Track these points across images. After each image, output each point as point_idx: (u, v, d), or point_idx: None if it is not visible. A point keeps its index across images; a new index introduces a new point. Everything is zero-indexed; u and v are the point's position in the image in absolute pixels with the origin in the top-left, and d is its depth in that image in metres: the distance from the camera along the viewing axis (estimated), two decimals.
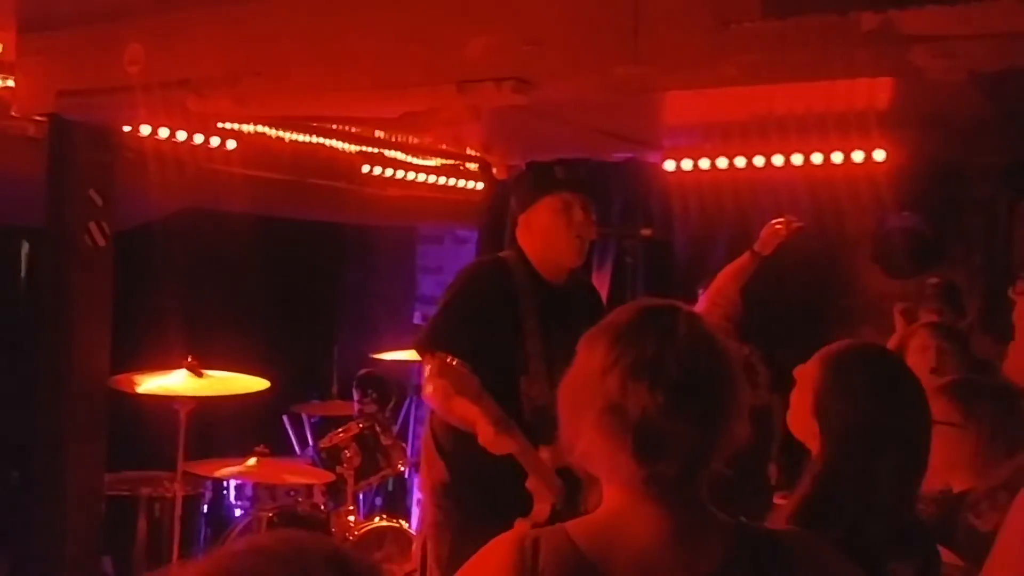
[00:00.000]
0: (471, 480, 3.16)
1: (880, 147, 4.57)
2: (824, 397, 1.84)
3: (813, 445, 1.87)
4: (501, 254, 3.27)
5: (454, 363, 2.80)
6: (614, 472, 1.39)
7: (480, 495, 3.14)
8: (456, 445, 3.17)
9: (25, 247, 5.21)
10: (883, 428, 1.81)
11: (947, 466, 2.47)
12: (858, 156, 4.62)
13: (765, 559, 1.40)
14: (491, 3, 2.72)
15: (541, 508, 2.99)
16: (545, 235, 3.16)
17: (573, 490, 3.06)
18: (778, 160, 4.80)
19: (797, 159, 4.74)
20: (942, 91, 3.17)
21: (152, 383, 3.93)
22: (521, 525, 2.98)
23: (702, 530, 1.40)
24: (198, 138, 4.40)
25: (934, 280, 4.51)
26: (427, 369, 3.13)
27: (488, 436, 2.87)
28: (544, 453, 3.03)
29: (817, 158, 4.69)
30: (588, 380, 1.39)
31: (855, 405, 1.81)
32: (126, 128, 3.97)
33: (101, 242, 3.63)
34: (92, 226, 3.61)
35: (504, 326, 3.09)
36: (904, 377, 1.93)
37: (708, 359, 1.39)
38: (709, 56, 2.42)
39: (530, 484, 3.00)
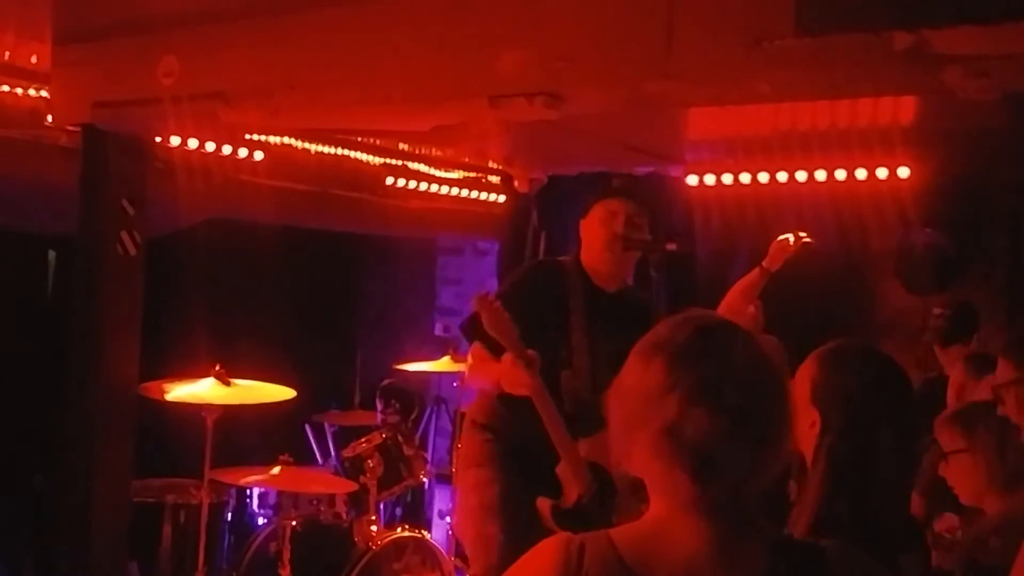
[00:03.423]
0: (511, 449, 3.27)
1: (904, 164, 4.58)
2: (821, 383, 1.95)
3: (810, 437, 1.94)
4: (559, 258, 3.44)
5: (495, 304, 2.93)
6: (669, 489, 1.41)
7: (518, 460, 3.20)
8: (494, 419, 3.32)
9: (52, 255, 5.27)
10: (877, 404, 1.92)
11: (974, 493, 2.52)
12: (882, 172, 4.63)
13: (805, 572, 1.42)
14: (523, 18, 2.74)
15: (568, 495, 3.05)
16: (590, 242, 3.29)
17: (603, 487, 3.12)
18: (801, 176, 4.82)
19: (820, 175, 4.76)
20: (966, 108, 3.19)
21: (181, 391, 3.97)
22: (543, 503, 3.04)
23: (745, 542, 1.41)
24: (226, 149, 4.45)
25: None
26: (470, 356, 3.30)
27: (505, 366, 2.98)
28: (582, 446, 3.12)
29: (841, 174, 4.71)
30: (644, 398, 1.40)
31: (850, 383, 1.93)
32: (156, 138, 4.02)
33: (132, 251, 3.67)
34: (124, 235, 3.65)
35: (550, 321, 3.21)
36: (890, 362, 2.06)
37: (764, 381, 1.41)
38: (741, 73, 2.44)
39: (559, 470, 3.06)
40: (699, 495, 1.38)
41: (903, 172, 4.61)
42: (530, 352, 3.01)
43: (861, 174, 4.67)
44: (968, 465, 2.53)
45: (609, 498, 3.18)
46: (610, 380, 3.33)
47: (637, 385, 1.42)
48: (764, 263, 4.10)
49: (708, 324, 1.46)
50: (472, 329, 3.20)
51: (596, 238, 3.28)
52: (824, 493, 1.89)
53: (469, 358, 3.31)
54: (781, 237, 4.12)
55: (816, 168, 4.76)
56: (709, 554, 1.39)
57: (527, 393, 3.02)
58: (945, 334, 4.26)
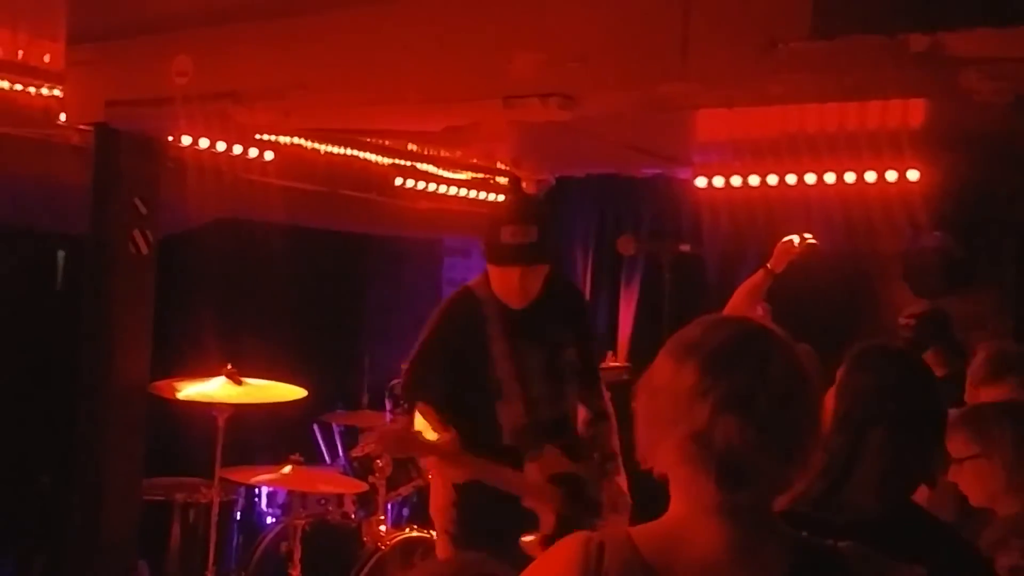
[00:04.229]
0: (478, 527, 3.26)
1: (913, 166, 4.58)
2: (843, 380, 1.98)
3: None
4: (470, 283, 3.38)
5: (427, 410, 3.13)
6: (691, 492, 1.40)
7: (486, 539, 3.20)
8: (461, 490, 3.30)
9: (61, 255, 5.28)
10: (885, 402, 1.93)
11: (989, 496, 2.50)
12: (891, 175, 4.63)
13: (824, 574, 1.42)
14: (537, 19, 2.75)
15: (546, 520, 3.09)
16: (496, 280, 3.25)
17: (577, 492, 3.13)
18: (810, 178, 4.81)
19: (830, 177, 4.75)
20: (977, 111, 3.19)
21: (192, 389, 3.98)
22: (528, 542, 3.06)
23: (766, 543, 1.41)
24: (237, 149, 4.45)
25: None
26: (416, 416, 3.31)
27: (437, 464, 3.12)
28: (532, 468, 3.17)
29: (850, 177, 4.71)
30: (674, 400, 1.38)
31: (864, 380, 1.95)
32: (168, 138, 4.03)
33: (144, 250, 3.69)
34: (136, 234, 3.67)
35: (474, 355, 3.21)
36: (914, 364, 2.06)
37: (798, 392, 1.39)
38: (756, 75, 2.45)
39: (526, 504, 3.09)
40: (722, 500, 1.37)
41: (913, 175, 4.61)
42: (449, 437, 3.05)
43: (870, 177, 4.67)
44: (984, 470, 2.48)
45: (589, 494, 3.22)
46: (543, 394, 3.24)
47: (668, 385, 1.40)
48: (769, 264, 4.15)
49: (746, 330, 1.43)
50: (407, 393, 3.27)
51: (500, 286, 3.22)
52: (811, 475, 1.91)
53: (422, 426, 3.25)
54: (785, 239, 4.16)
55: (825, 171, 4.75)
56: (730, 556, 1.38)
57: (469, 479, 3.10)
58: (914, 342, 4.27)
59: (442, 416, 3.17)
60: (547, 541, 3.09)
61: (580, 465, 3.24)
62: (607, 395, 3.44)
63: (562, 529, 3.08)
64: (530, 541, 3.11)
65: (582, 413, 3.41)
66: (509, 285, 3.19)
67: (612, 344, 5.79)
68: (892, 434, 1.92)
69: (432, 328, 3.31)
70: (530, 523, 3.16)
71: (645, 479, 1.48)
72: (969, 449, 2.51)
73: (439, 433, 3.14)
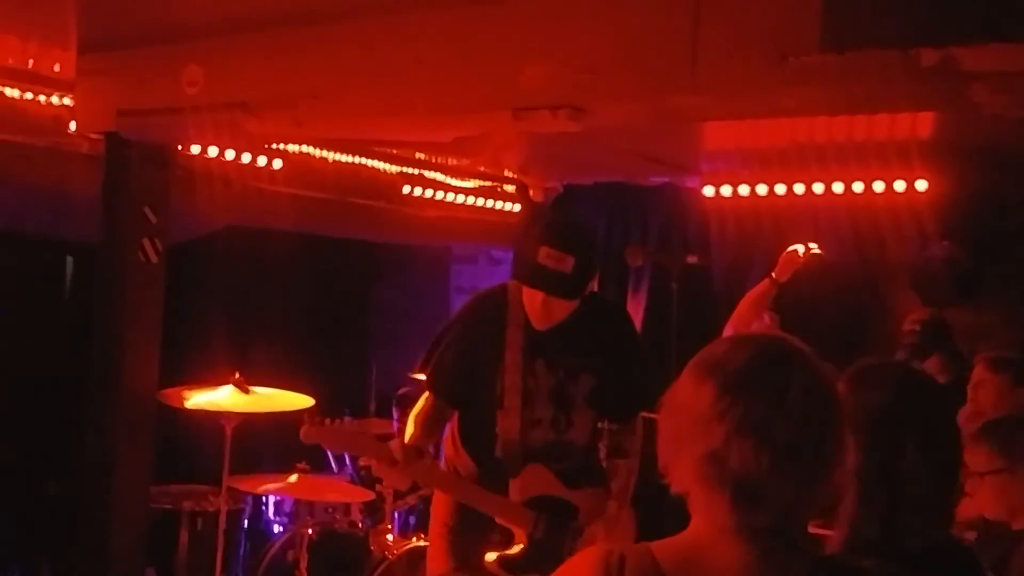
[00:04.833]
0: (476, 524, 3.20)
1: (922, 176, 4.59)
2: (849, 403, 1.89)
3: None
4: (508, 282, 3.28)
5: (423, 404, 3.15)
6: (708, 511, 1.39)
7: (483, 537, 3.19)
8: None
9: (70, 261, 5.30)
10: (900, 420, 1.85)
11: (1009, 511, 2.47)
12: (899, 185, 4.64)
13: None
14: (548, 31, 2.76)
15: (518, 540, 3.08)
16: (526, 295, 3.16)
17: (559, 518, 3.11)
18: (818, 188, 4.82)
19: (838, 187, 4.76)
20: (985, 122, 3.19)
21: (200, 398, 3.99)
22: (490, 559, 3.06)
23: (787, 563, 1.40)
24: (246, 157, 4.47)
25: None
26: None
27: (379, 470, 3.07)
28: (514, 486, 3.09)
29: (858, 187, 4.71)
30: (692, 420, 1.37)
31: (872, 400, 1.86)
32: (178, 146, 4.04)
33: (154, 258, 3.70)
34: (145, 243, 3.68)
35: (488, 358, 3.13)
36: (917, 378, 2.00)
37: (818, 415, 1.37)
38: (766, 88, 2.45)
39: (500, 521, 3.09)
40: (739, 522, 1.36)
41: (921, 185, 4.62)
42: (400, 443, 3.01)
43: (879, 187, 4.68)
44: (1007, 484, 2.45)
45: (567, 516, 3.15)
46: (544, 417, 3.16)
47: (687, 404, 1.39)
48: (774, 273, 4.16)
49: (769, 351, 1.41)
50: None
51: (527, 302, 3.11)
52: (855, 516, 1.83)
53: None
54: (790, 248, 4.17)
55: (833, 180, 4.76)
56: (750, 573, 1.38)
57: (403, 487, 3.07)
58: (920, 349, 4.28)
59: (432, 415, 3.15)
60: (507, 562, 3.05)
61: (575, 493, 3.14)
62: (637, 431, 3.27)
63: (530, 553, 3.05)
64: (491, 561, 3.06)
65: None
66: (532, 305, 3.09)
67: None
68: (924, 453, 1.84)
69: (456, 320, 3.27)
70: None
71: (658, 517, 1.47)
72: (992, 463, 2.47)
73: (403, 433, 3.12)
